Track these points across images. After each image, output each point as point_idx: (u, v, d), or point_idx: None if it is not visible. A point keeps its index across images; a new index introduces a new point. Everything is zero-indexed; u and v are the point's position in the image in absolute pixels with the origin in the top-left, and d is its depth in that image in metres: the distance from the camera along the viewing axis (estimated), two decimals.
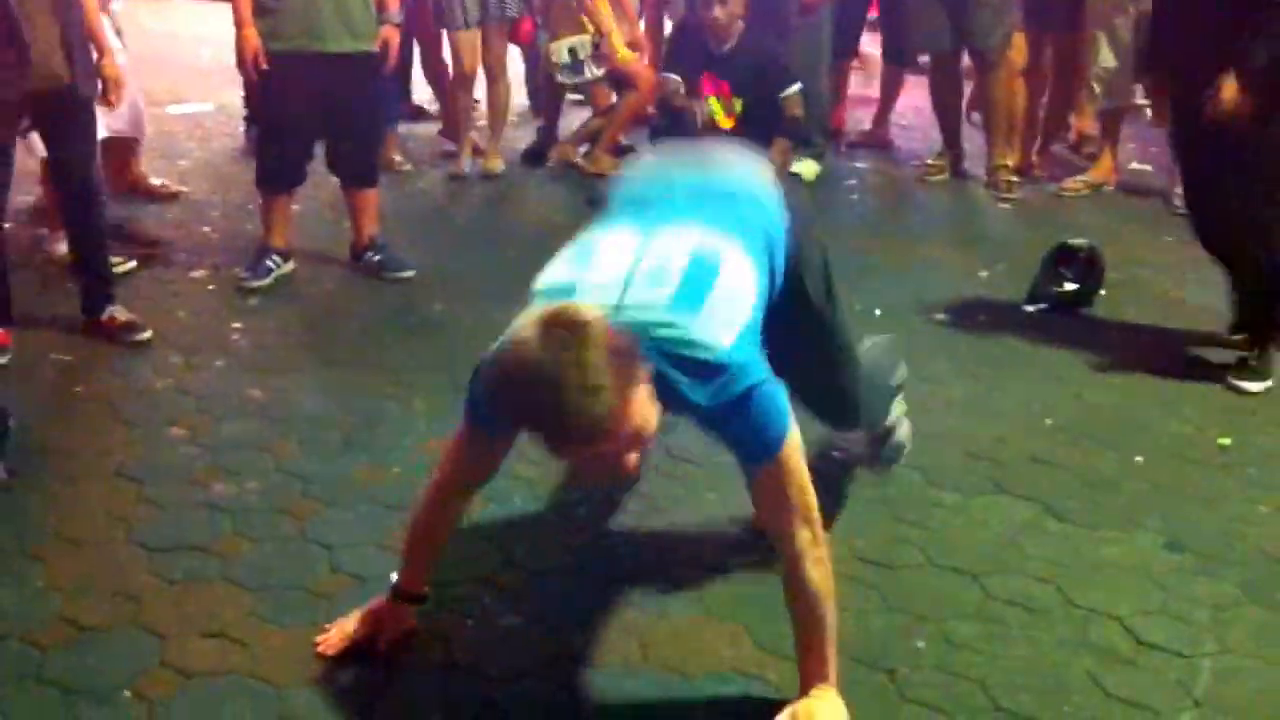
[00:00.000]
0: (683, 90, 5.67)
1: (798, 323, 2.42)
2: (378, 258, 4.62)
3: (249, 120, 6.28)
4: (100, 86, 3.87)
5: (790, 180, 4.89)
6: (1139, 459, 3.30)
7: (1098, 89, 5.79)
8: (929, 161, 6.33)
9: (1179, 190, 5.68)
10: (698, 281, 2.06)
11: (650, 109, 6.26)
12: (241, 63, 4.34)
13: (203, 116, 7.30)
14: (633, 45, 6.10)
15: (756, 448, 2.08)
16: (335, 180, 4.70)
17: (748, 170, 2.46)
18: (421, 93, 7.16)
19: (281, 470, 3.12)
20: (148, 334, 3.90)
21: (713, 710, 2.31)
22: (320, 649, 2.40)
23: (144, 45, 7.22)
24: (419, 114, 7.14)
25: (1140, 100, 6.48)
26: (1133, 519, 2.98)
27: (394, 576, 2.47)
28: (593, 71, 6.05)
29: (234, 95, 6.43)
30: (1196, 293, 4.43)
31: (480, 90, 6.25)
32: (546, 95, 6.65)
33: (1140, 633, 2.53)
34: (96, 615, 2.50)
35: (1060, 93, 6.28)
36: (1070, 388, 3.75)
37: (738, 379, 2.02)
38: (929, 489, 3.10)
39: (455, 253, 4.83)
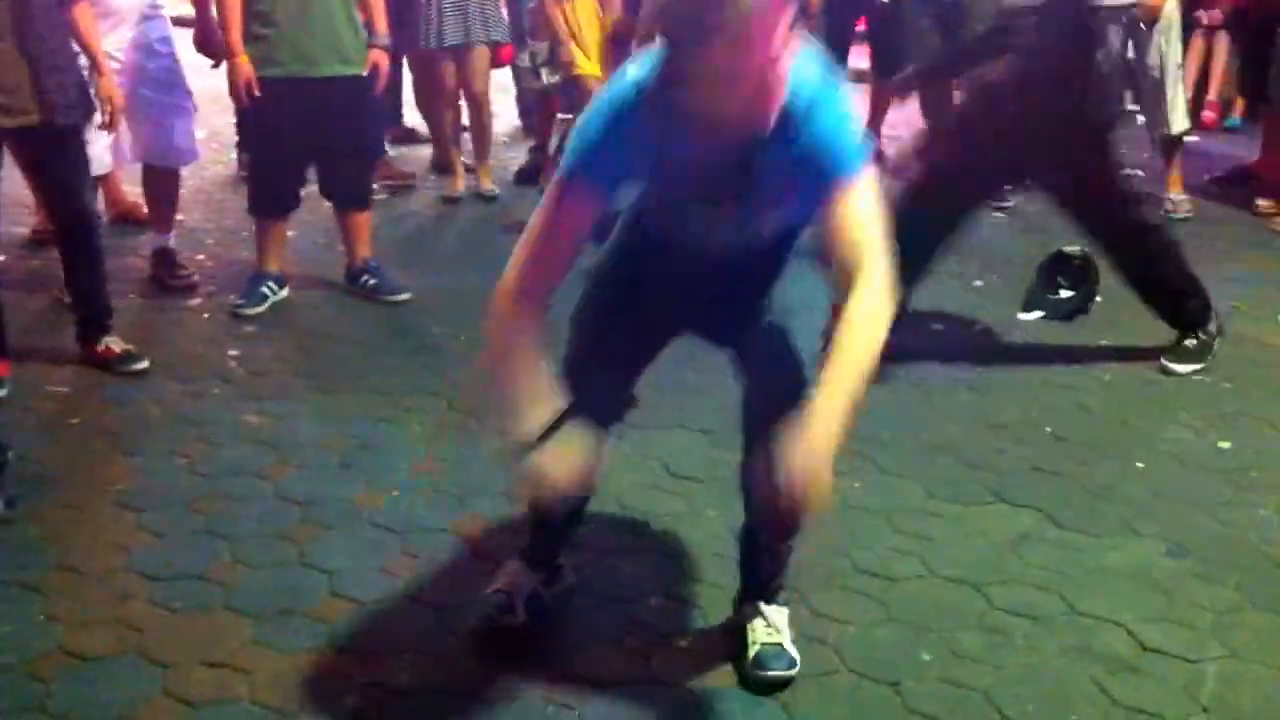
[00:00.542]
0: None
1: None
2: (373, 281, 4.61)
3: (241, 147, 6.27)
4: (99, 109, 3.80)
5: None
6: (1139, 465, 3.31)
7: None
8: None
9: (1170, 195, 5.74)
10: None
11: None
12: (233, 90, 4.34)
13: None
14: (620, 27, 5.94)
15: (852, 152, 2.06)
16: (328, 204, 4.71)
17: None
18: (412, 115, 7.16)
19: (280, 495, 3.11)
20: (145, 364, 3.87)
21: None
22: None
23: None
24: (410, 136, 7.15)
25: (1130, 107, 6.48)
26: (1134, 525, 2.99)
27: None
28: (548, 79, 6.03)
29: (225, 122, 6.43)
30: None
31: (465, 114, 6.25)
32: (538, 114, 6.65)
33: (1144, 639, 2.53)
34: (98, 645, 2.49)
35: None
36: (1069, 395, 3.76)
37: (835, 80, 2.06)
38: (928, 500, 3.10)
39: (451, 275, 4.83)
